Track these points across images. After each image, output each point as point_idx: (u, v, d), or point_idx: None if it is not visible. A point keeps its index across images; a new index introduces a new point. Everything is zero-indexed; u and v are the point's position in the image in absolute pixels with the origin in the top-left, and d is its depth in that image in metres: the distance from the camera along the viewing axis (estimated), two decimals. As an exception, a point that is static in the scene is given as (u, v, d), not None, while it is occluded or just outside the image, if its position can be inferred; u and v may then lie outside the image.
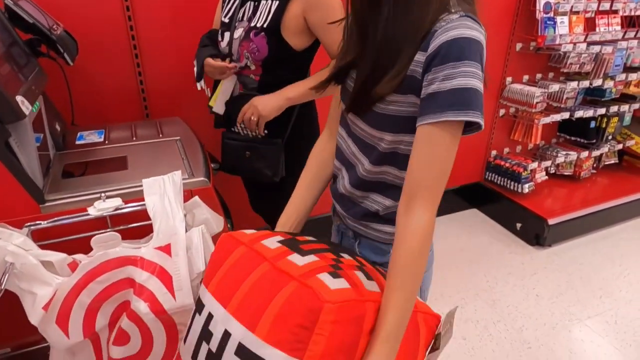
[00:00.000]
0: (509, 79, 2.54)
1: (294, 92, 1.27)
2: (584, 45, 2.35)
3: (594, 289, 2.20)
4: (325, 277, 0.64)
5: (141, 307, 0.87)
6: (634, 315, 2.03)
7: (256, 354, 0.61)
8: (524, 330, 1.93)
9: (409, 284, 0.67)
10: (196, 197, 1.04)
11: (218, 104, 1.35)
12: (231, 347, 0.63)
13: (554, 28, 2.29)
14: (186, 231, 0.95)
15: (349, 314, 0.62)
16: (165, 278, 0.88)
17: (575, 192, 2.75)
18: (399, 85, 0.70)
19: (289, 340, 0.60)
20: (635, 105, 2.74)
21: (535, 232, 2.48)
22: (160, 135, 1.43)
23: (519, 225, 2.56)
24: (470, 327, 1.93)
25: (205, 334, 0.68)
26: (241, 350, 0.62)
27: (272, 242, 0.73)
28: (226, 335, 0.64)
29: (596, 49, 2.39)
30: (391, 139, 0.75)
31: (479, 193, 2.80)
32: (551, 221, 2.41)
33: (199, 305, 0.73)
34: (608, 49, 2.40)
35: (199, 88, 1.38)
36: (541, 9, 2.27)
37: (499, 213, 2.71)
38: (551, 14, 2.29)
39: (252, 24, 1.23)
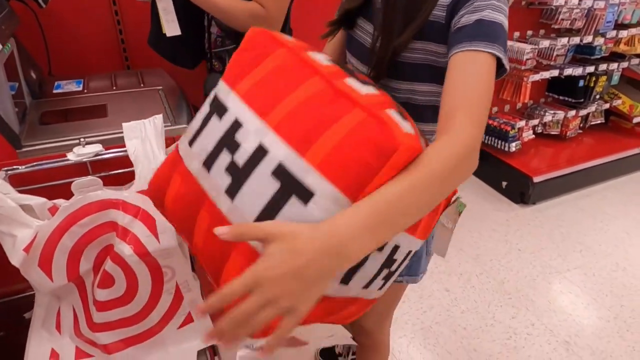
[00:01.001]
0: (499, 35, 2.49)
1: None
2: (576, 0, 2.30)
3: (574, 243, 2.26)
4: (395, 115, 0.54)
5: (125, 249, 0.87)
6: (610, 268, 2.10)
7: (300, 182, 0.52)
8: (506, 282, 1.99)
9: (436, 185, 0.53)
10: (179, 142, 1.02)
11: (168, 26, 1.22)
12: (267, 165, 0.54)
13: (547, -19, 2.24)
14: (169, 175, 0.93)
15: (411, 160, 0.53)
16: (149, 221, 0.88)
17: (561, 151, 2.78)
18: (419, 30, 0.69)
19: (347, 176, 0.51)
20: (624, 64, 2.73)
21: (520, 190, 2.51)
22: (142, 85, 1.39)
23: (504, 183, 2.59)
24: (453, 280, 1.99)
25: (229, 143, 0.58)
26: (281, 171, 0.53)
27: (322, 58, 0.62)
28: (261, 151, 0.55)
29: (588, 3, 2.35)
30: (405, 88, 0.75)
31: (467, 152, 2.81)
32: (536, 179, 2.44)
33: (219, 107, 0.62)
34: (600, 4, 2.36)
35: None
36: (535, -39, 2.21)
37: (486, 172, 2.73)
38: (545, -33, 2.24)
39: None
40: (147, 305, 0.95)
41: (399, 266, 0.66)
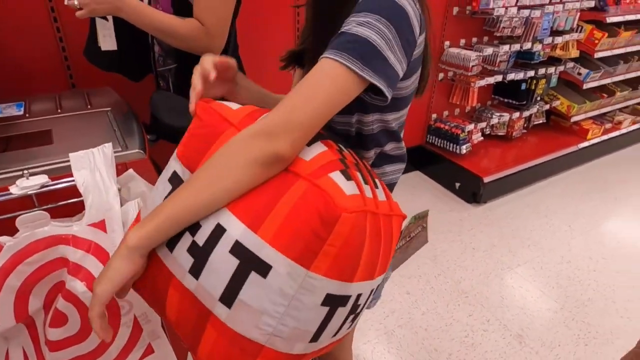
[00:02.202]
0: (447, 43, 2.60)
1: None
2: (515, 9, 2.44)
3: (522, 239, 2.39)
4: (338, 178, 0.58)
5: (77, 286, 0.84)
6: (556, 261, 2.24)
7: (257, 256, 0.56)
8: (462, 282, 2.08)
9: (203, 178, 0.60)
10: (130, 170, 1.00)
11: (104, 40, 1.19)
12: (225, 244, 0.57)
13: (488, -8, 2.36)
14: (121, 205, 0.91)
15: (360, 223, 0.58)
16: (102, 255, 0.85)
17: (507, 151, 2.93)
18: None
19: (298, 248, 0.55)
20: (561, 68, 2.92)
21: (472, 190, 2.63)
22: (89, 107, 1.34)
23: (457, 184, 2.71)
24: (413, 282, 2.05)
25: (190, 225, 0.61)
26: (238, 249, 0.57)
27: None
28: (219, 230, 0.58)
29: (526, 12, 2.50)
30: (355, 120, 0.78)
31: (422, 156, 2.91)
32: (486, 179, 2.57)
33: (178, 185, 0.64)
34: (537, 12, 2.52)
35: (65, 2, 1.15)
36: (476, -27, 2.32)
37: (440, 174, 2.84)
38: (485, -22, 2.35)
39: None
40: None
41: (364, 306, 0.69)
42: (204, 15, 1.12)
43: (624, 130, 3.30)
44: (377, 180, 0.72)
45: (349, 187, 0.58)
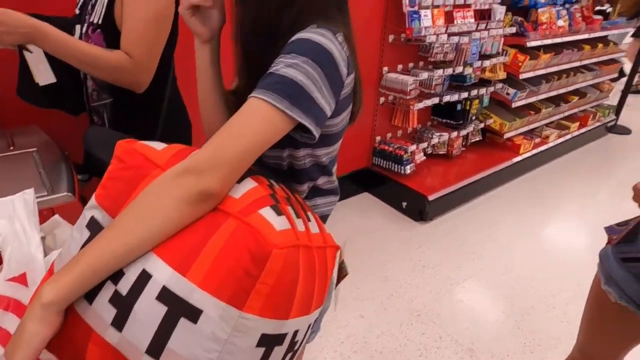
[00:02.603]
0: (385, 68, 2.71)
1: None
2: (445, 36, 2.60)
3: (468, 253, 2.49)
4: (268, 214, 0.58)
5: (-5, 348, 0.77)
6: (500, 272, 2.34)
7: (186, 301, 0.54)
8: (414, 300, 2.11)
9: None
10: (56, 216, 0.93)
11: (40, 75, 1.11)
12: (151, 290, 0.54)
13: (419, 21, 2.50)
14: (45, 255, 0.85)
15: (292, 259, 0.58)
16: (23, 312, 0.78)
17: (449, 169, 3.07)
18: None
19: (229, 288, 0.54)
20: (491, 88, 3.13)
21: (418, 208, 2.71)
22: (12, 148, 1.26)
23: (404, 204, 2.78)
24: (367, 305, 2.06)
25: (112, 273, 0.57)
26: (166, 295, 0.54)
27: None
28: (145, 276, 0.55)
29: (455, 39, 2.66)
30: (286, 154, 0.79)
31: (369, 177, 2.97)
32: (430, 197, 2.66)
33: (97, 232, 0.60)
34: (465, 39, 2.69)
35: None
36: (407, 3, 2.45)
37: (387, 194, 2.91)
38: (416, 8, 2.49)
39: (91, 20, 1.13)
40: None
41: (302, 341, 0.68)
42: (132, 46, 1.10)
43: (551, 144, 3.57)
44: (309, 213, 0.73)
45: (279, 223, 0.58)
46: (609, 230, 1.05)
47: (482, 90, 3.04)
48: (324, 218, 0.90)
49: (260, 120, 0.62)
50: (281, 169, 0.81)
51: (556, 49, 3.31)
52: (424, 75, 2.65)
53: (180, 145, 0.69)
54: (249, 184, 0.63)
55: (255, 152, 0.63)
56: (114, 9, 1.09)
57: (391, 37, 2.64)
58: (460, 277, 2.28)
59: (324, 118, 0.69)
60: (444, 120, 3.12)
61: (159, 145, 0.67)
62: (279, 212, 0.60)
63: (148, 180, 0.62)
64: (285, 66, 0.64)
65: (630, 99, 4.59)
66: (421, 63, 2.86)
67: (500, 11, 2.92)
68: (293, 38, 0.68)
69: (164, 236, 0.57)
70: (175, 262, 0.55)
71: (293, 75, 0.64)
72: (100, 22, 1.11)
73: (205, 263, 0.54)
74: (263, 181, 0.66)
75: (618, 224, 1.03)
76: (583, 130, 3.92)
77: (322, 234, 0.73)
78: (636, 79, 4.62)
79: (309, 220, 0.70)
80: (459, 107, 3.03)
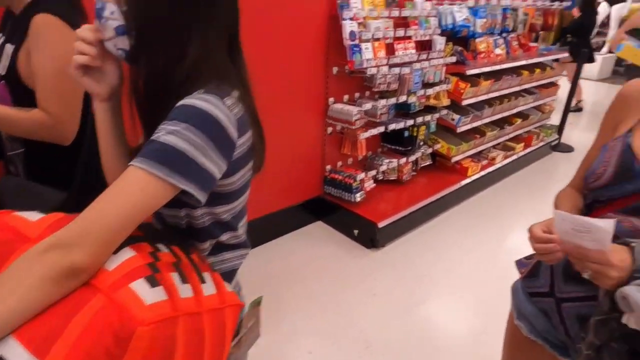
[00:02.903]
0: (331, 99, 2.76)
1: None
2: (386, 68, 2.68)
3: (420, 277, 2.51)
4: (140, 287, 0.57)
5: None
6: (452, 296, 2.38)
7: None
8: (365, 331, 2.10)
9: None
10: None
11: None
12: None
13: (361, 54, 2.57)
14: None
15: (162, 333, 0.56)
16: None
17: (400, 194, 3.12)
18: None
19: None
20: (437, 115, 3.24)
21: (369, 236, 2.74)
22: None
23: (356, 231, 2.80)
24: (317, 340, 2.03)
25: None
26: None
27: None
28: None
29: (396, 70, 2.76)
30: (183, 214, 0.78)
31: (321, 206, 2.98)
32: (380, 224, 2.69)
33: None
34: (406, 70, 2.79)
35: None
36: (347, 37, 2.52)
37: (340, 222, 2.93)
38: (357, 41, 2.57)
39: None
40: None
41: None
42: (47, 103, 1.09)
43: (498, 165, 3.70)
44: (206, 274, 0.72)
45: (152, 295, 0.57)
46: (519, 264, 1.08)
47: (428, 117, 3.14)
48: (232, 272, 0.89)
49: (136, 189, 0.62)
50: (180, 227, 0.80)
51: (496, 75, 3.48)
52: (368, 105, 2.72)
53: (59, 214, 0.67)
54: (126, 254, 0.62)
55: (132, 222, 0.62)
56: (17, 62, 1.07)
57: (335, 69, 2.70)
58: (411, 303, 2.30)
59: (212, 180, 0.69)
60: (393, 147, 3.20)
61: (34, 216, 0.65)
62: (154, 283, 0.59)
63: (16, 256, 0.59)
64: (166, 133, 0.64)
65: (571, 117, 4.87)
66: (367, 93, 2.94)
67: (440, 42, 3.05)
68: (178, 104, 0.68)
69: (27, 317, 0.55)
70: (33, 345, 0.53)
71: (173, 142, 0.64)
72: (4, 73, 1.09)
73: (65, 345, 0.52)
74: (144, 249, 0.65)
75: (527, 257, 1.07)
76: (528, 150, 4.11)
77: (221, 294, 0.72)
78: (574, 102, 4.91)
79: (203, 282, 0.69)
80: (406, 133, 3.12)
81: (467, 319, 2.21)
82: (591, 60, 5.01)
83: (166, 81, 0.73)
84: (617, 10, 8.19)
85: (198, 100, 0.67)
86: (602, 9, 8.08)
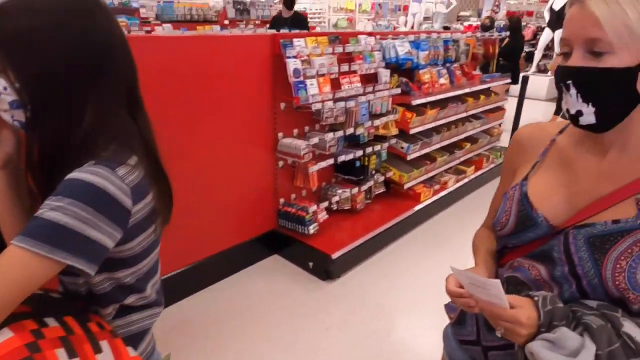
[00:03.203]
0: (280, 134, 2.81)
1: None
2: (331, 103, 2.76)
3: (373, 307, 2.53)
4: None
5: None
6: (404, 325, 2.40)
7: None
8: (315, 367, 2.09)
9: None
10: None
11: None
12: None
13: (306, 90, 2.65)
14: None
15: None
16: None
17: (354, 223, 3.17)
18: None
19: None
20: (386, 144, 3.33)
21: (324, 268, 2.75)
22: None
23: (310, 264, 2.81)
24: (267, 380, 2.01)
25: None
26: None
27: None
28: None
29: (342, 104, 2.84)
30: (82, 281, 0.79)
31: (276, 239, 2.99)
32: (334, 256, 2.71)
33: None
34: (351, 103, 2.88)
35: None
36: (291, 75, 2.60)
37: (295, 255, 2.93)
38: (301, 78, 2.65)
39: None
40: None
41: None
42: None
43: (450, 189, 3.83)
44: (103, 343, 0.72)
45: None
46: (448, 308, 1.09)
47: (378, 147, 3.23)
48: (145, 332, 0.89)
49: (16, 268, 0.62)
50: (80, 294, 0.80)
51: (442, 103, 3.63)
52: (315, 139, 2.78)
53: None
54: (3, 335, 0.62)
55: (11, 302, 0.63)
56: None
57: (282, 105, 2.76)
58: (363, 335, 2.31)
59: (103, 250, 0.70)
60: (347, 177, 3.26)
61: None
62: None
63: None
64: (49, 209, 0.65)
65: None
66: (317, 126, 3.01)
67: (385, 74, 3.17)
68: (66, 177, 0.69)
69: None
70: None
71: (57, 218, 0.65)
72: None
73: None
74: (25, 328, 0.65)
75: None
76: (479, 172, 4.27)
77: None
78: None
79: (99, 351, 0.69)
80: (357, 163, 3.19)
81: (421, 345, 2.24)
82: (515, 81, 5.30)
83: (62, 148, 0.74)
84: (559, 35, 8.75)
85: (85, 173, 0.68)
86: (546, 33, 8.64)
